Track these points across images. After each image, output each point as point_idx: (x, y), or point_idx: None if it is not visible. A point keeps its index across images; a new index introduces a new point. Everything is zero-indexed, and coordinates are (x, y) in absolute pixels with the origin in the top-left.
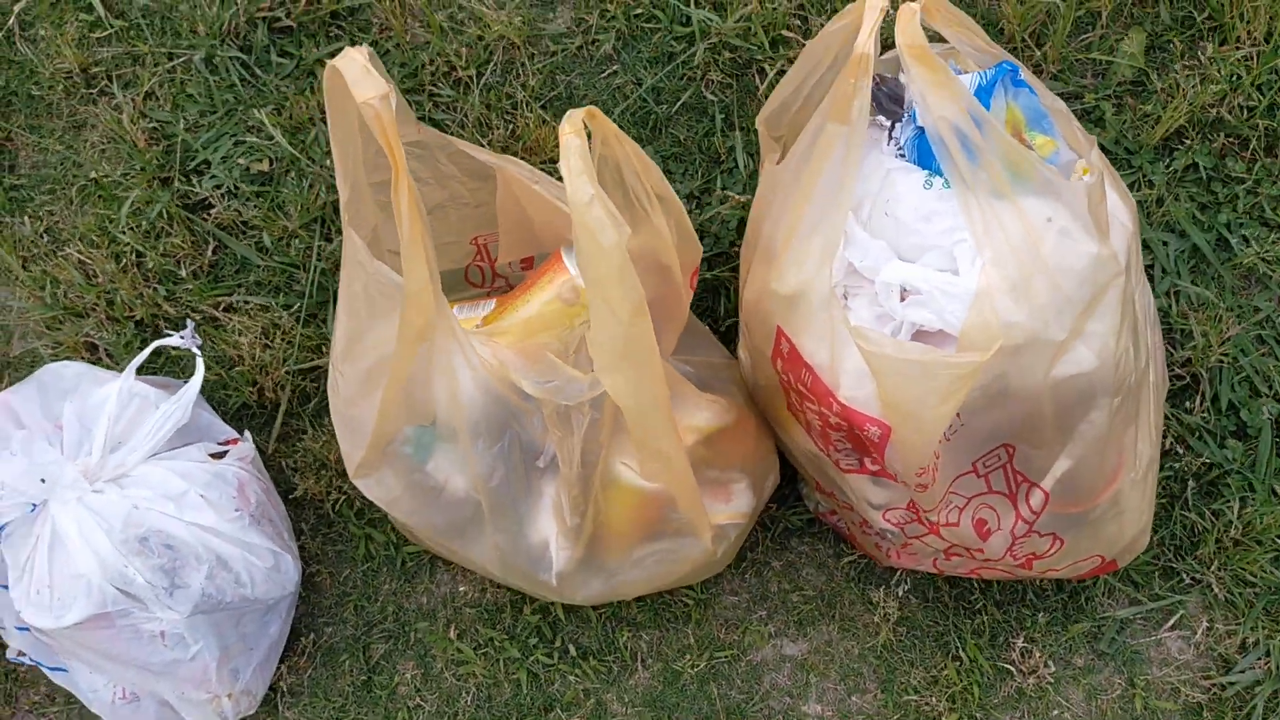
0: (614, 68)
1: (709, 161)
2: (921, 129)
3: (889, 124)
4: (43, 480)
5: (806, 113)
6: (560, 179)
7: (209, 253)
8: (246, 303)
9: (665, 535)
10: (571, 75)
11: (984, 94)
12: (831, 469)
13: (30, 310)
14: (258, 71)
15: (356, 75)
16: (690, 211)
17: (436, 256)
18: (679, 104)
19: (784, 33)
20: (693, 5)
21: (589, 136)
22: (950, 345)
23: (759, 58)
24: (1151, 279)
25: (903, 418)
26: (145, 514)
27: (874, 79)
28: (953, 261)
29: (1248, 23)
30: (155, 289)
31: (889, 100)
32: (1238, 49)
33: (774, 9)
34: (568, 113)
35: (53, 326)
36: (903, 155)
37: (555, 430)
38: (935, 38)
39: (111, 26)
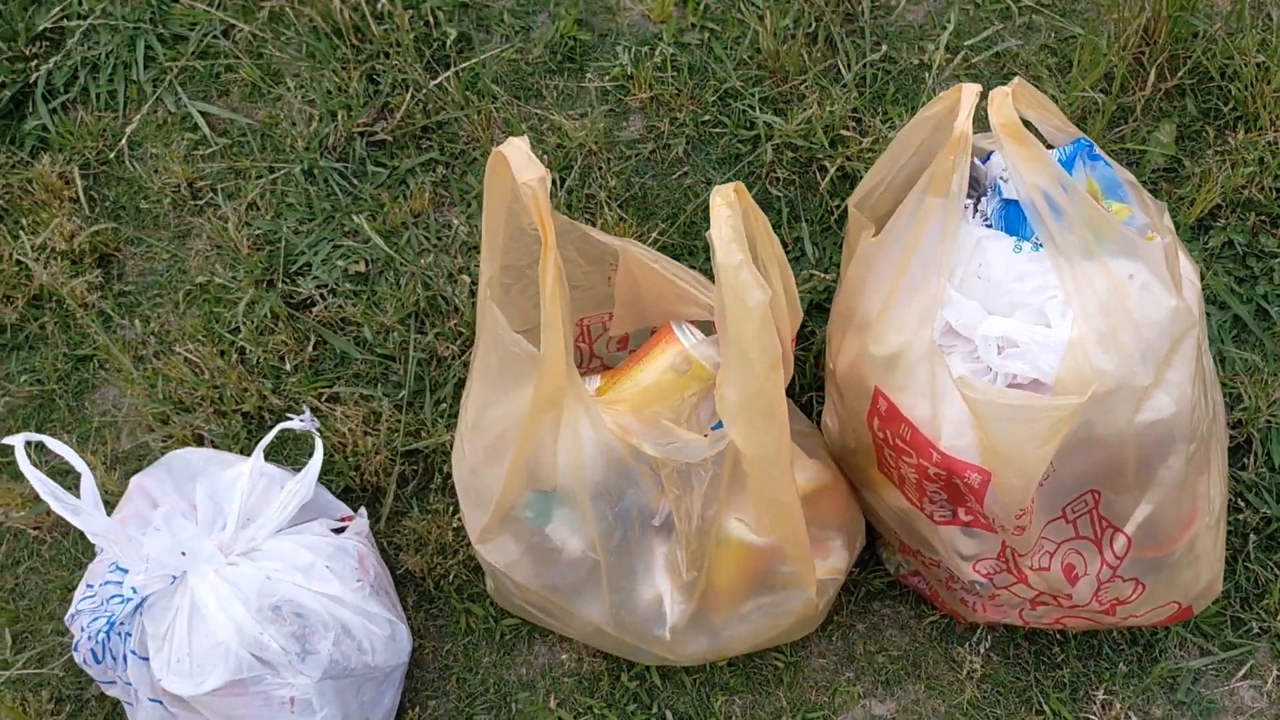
0: (684, 169)
1: None
2: (1006, 201)
3: (972, 201)
4: (183, 554)
5: (890, 192)
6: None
7: (310, 348)
8: (348, 393)
9: (771, 589)
10: (646, 177)
11: (1067, 165)
12: (923, 523)
13: (141, 405)
14: (355, 181)
15: (520, 160)
16: None
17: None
18: None
19: (842, 132)
20: (757, 110)
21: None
22: (1042, 395)
23: (819, 156)
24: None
25: (1003, 462)
26: (277, 584)
27: None
28: (1043, 317)
29: (1270, 111)
30: (261, 382)
31: (971, 182)
32: (1263, 135)
33: (831, 112)
34: (717, 187)
35: (163, 421)
36: (990, 225)
37: (674, 489)
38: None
39: (215, 144)
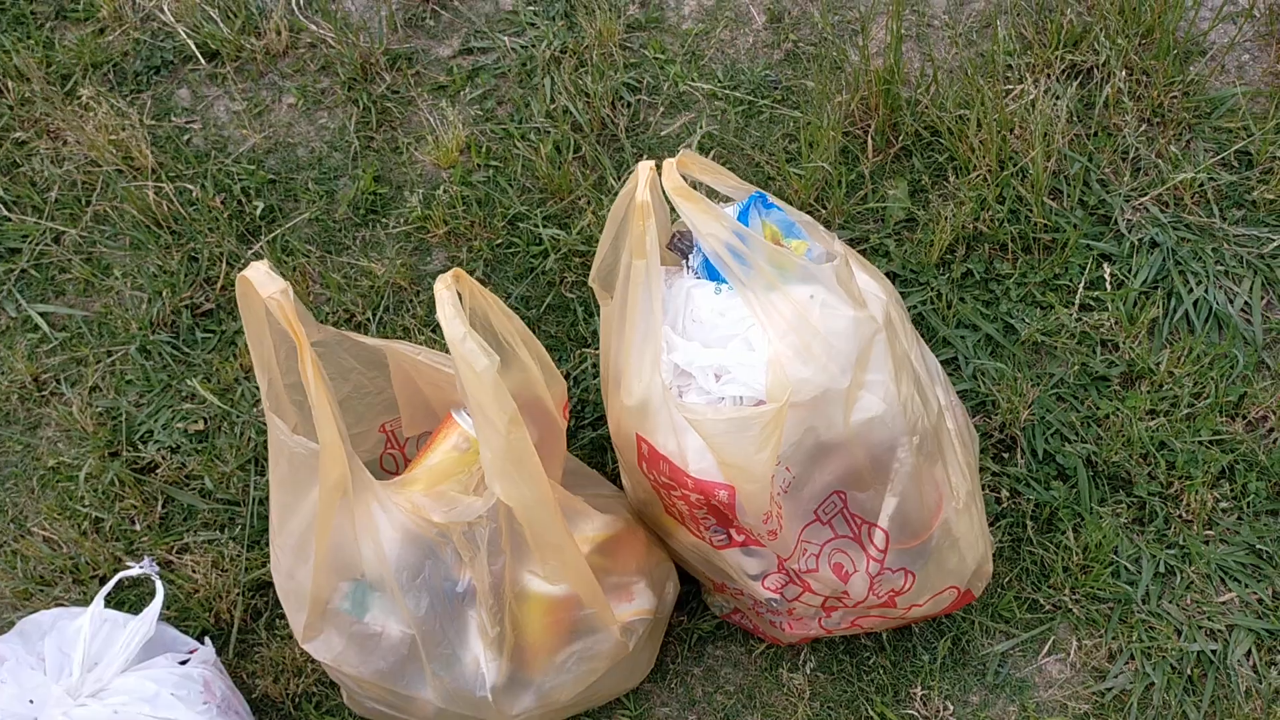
0: (488, 287)
1: (580, 346)
2: (703, 252)
3: (685, 259)
4: (31, 701)
5: (618, 268)
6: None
7: (159, 507)
8: (197, 541)
9: (579, 635)
10: None
11: (743, 217)
12: (711, 553)
13: (2, 586)
14: (186, 349)
15: (261, 278)
16: (571, 390)
17: (351, 447)
18: (545, 306)
19: None
20: (542, 228)
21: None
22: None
23: None
24: (958, 366)
25: (738, 473)
26: (124, 718)
27: (675, 234)
28: (749, 344)
29: (980, 155)
30: (114, 546)
31: (685, 245)
32: (977, 175)
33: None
34: (440, 276)
35: (26, 597)
36: (698, 276)
37: (465, 551)
38: (700, 187)
39: (56, 339)
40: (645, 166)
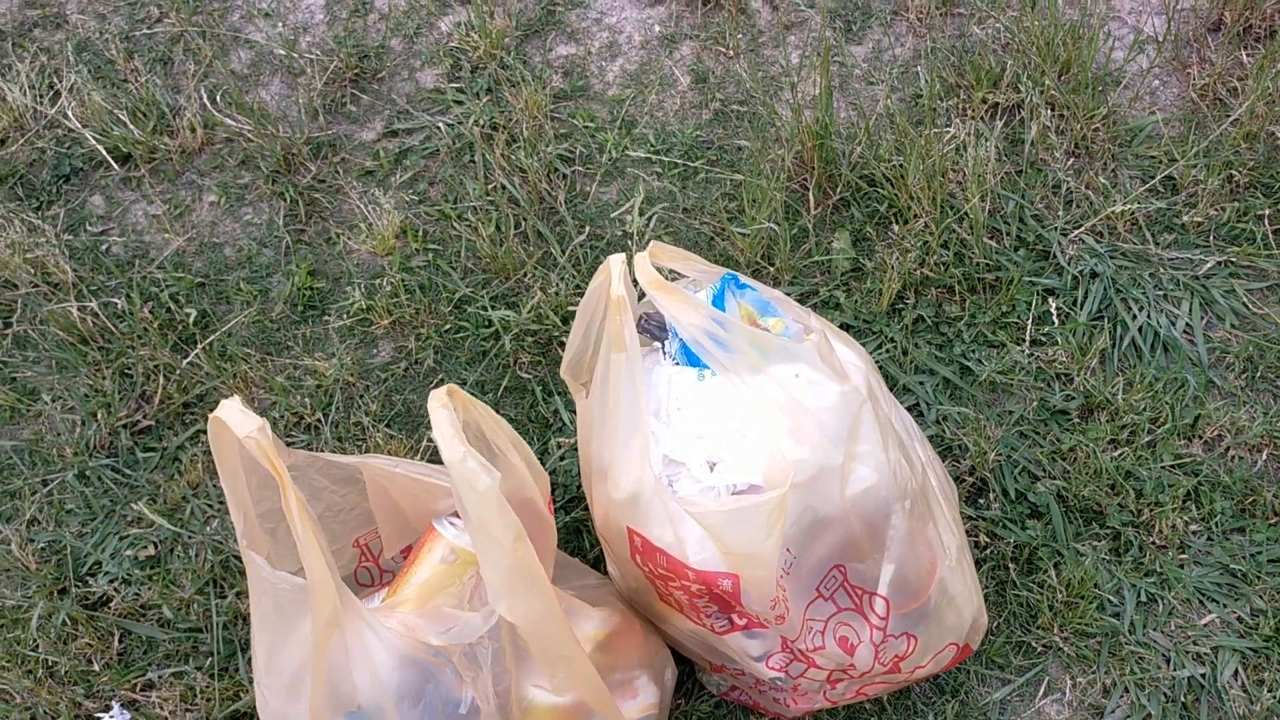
0: (440, 376)
1: (541, 427)
2: (682, 340)
3: (661, 344)
4: None
5: (596, 356)
6: (428, 459)
7: (116, 642)
8: (160, 676)
9: None
10: (405, 393)
11: (718, 300)
12: (712, 638)
13: None
14: (128, 471)
15: (235, 418)
16: None
17: (338, 575)
18: (501, 389)
19: (570, 309)
20: (490, 309)
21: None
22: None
23: (556, 335)
24: (921, 413)
25: (742, 561)
26: None
27: (641, 316)
28: (739, 429)
29: (919, 201)
30: (73, 690)
31: (658, 329)
32: (917, 223)
33: (557, 295)
34: (433, 393)
35: None
36: (677, 363)
37: (467, 672)
38: (671, 274)
39: None
40: (617, 260)
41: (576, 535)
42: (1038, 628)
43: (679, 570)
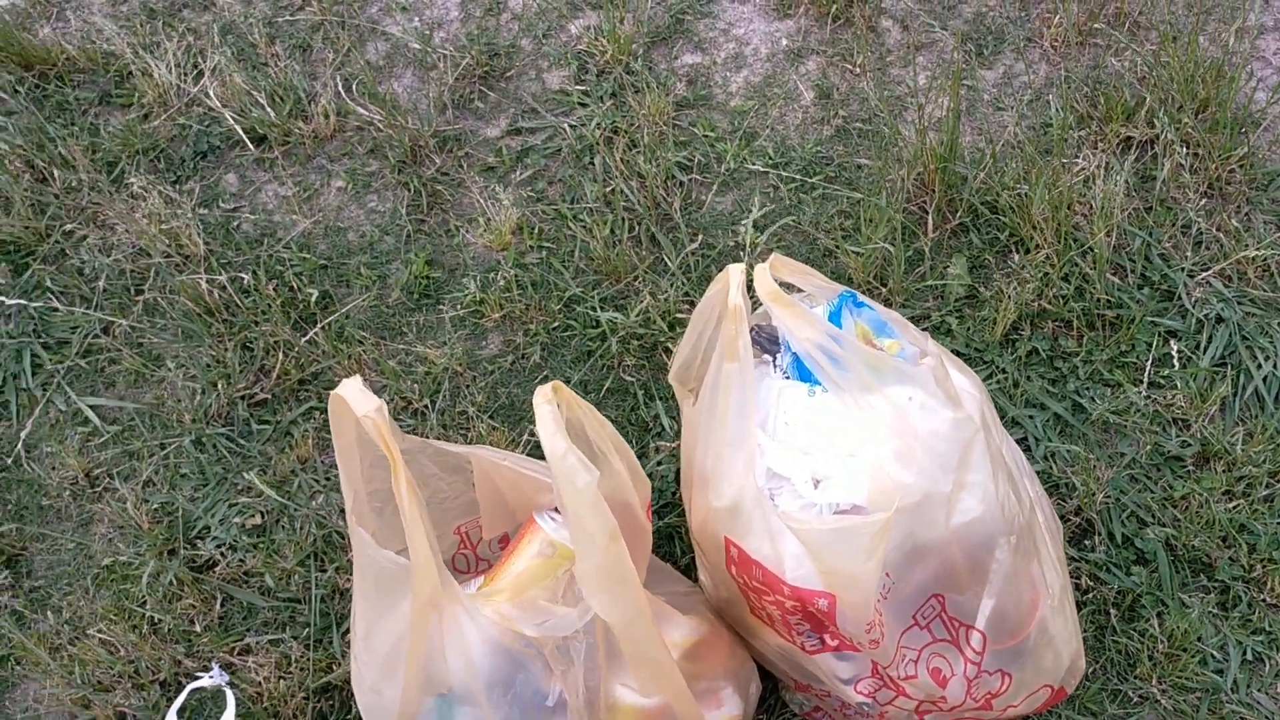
0: (544, 372)
1: (640, 430)
2: (796, 354)
3: (772, 358)
4: None
5: (705, 363)
6: (529, 453)
7: (217, 606)
8: (258, 642)
9: None
10: (510, 386)
11: (835, 317)
12: (801, 656)
13: (61, 694)
14: (242, 441)
15: (356, 397)
16: None
17: (441, 559)
18: (604, 389)
19: (678, 315)
20: (599, 310)
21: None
22: (863, 516)
23: (661, 340)
24: (1029, 447)
25: (841, 582)
26: None
27: (753, 328)
28: (847, 448)
29: (1041, 231)
30: (174, 648)
31: (769, 341)
32: (1038, 253)
33: (665, 300)
34: (538, 389)
35: (84, 705)
36: (788, 377)
37: (558, 665)
38: (789, 287)
39: (107, 433)
40: (737, 269)
41: (669, 540)
42: (1136, 677)
43: (774, 585)
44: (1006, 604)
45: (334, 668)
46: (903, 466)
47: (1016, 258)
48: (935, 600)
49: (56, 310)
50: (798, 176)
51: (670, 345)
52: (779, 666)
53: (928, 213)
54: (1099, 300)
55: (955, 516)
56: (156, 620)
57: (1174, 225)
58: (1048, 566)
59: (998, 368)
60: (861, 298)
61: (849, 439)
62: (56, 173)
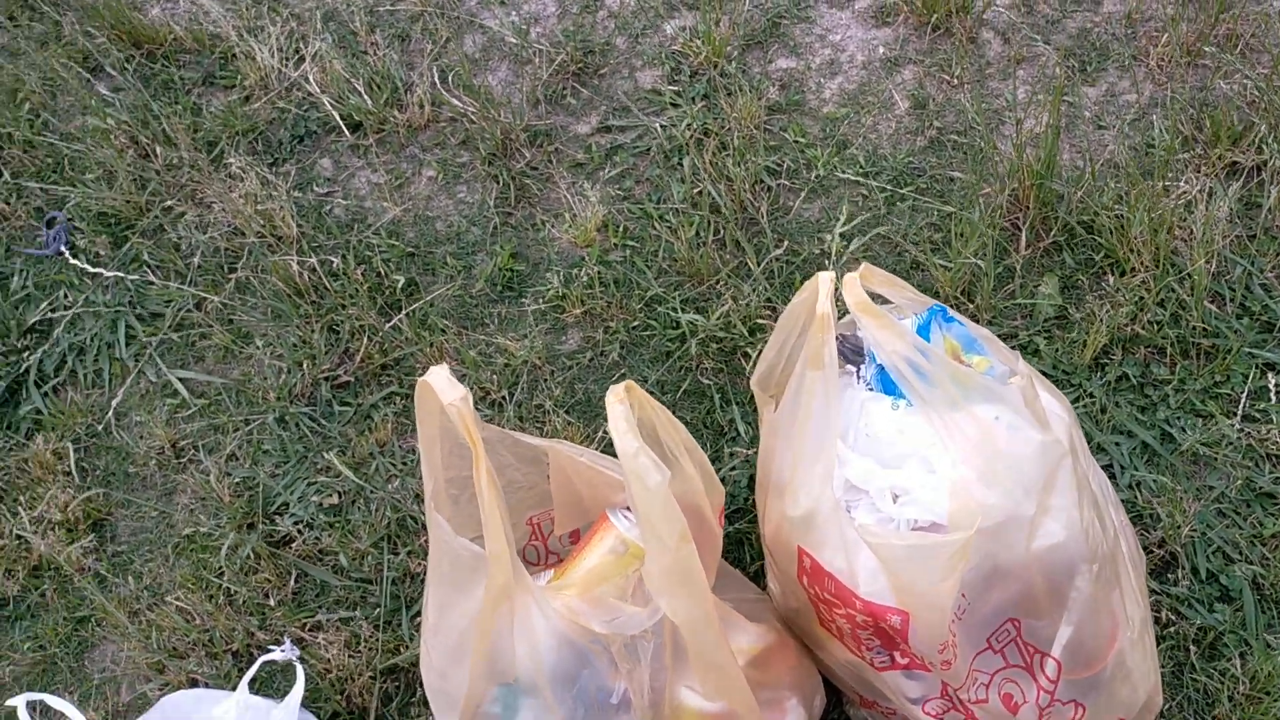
0: (622, 370)
1: (715, 434)
2: (880, 366)
3: (855, 369)
4: None
5: (788, 370)
6: (602, 450)
7: (292, 581)
8: (329, 619)
9: None
10: (588, 383)
11: (923, 331)
12: (869, 672)
13: (137, 657)
14: (323, 422)
15: (442, 384)
16: None
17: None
18: (681, 391)
19: (759, 321)
20: (680, 311)
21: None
22: (941, 534)
23: (741, 344)
24: (1114, 475)
25: (915, 600)
26: None
27: (838, 337)
28: (929, 465)
29: (1138, 254)
30: (248, 620)
31: (852, 352)
32: (1134, 277)
33: (746, 304)
34: (611, 388)
35: (159, 669)
36: (871, 389)
37: (624, 664)
38: (877, 298)
39: (194, 405)
40: (826, 277)
41: (738, 546)
42: (1214, 717)
43: (847, 598)
44: (1084, 633)
45: (402, 650)
46: (986, 486)
47: (1111, 280)
48: (1011, 624)
49: (152, 284)
50: (888, 186)
51: (750, 350)
52: (845, 681)
53: (1021, 229)
54: (1195, 328)
55: (1037, 540)
56: (232, 591)
57: (1278, 255)
58: (1129, 598)
59: (1085, 391)
60: (952, 313)
61: (932, 455)
62: (159, 150)
